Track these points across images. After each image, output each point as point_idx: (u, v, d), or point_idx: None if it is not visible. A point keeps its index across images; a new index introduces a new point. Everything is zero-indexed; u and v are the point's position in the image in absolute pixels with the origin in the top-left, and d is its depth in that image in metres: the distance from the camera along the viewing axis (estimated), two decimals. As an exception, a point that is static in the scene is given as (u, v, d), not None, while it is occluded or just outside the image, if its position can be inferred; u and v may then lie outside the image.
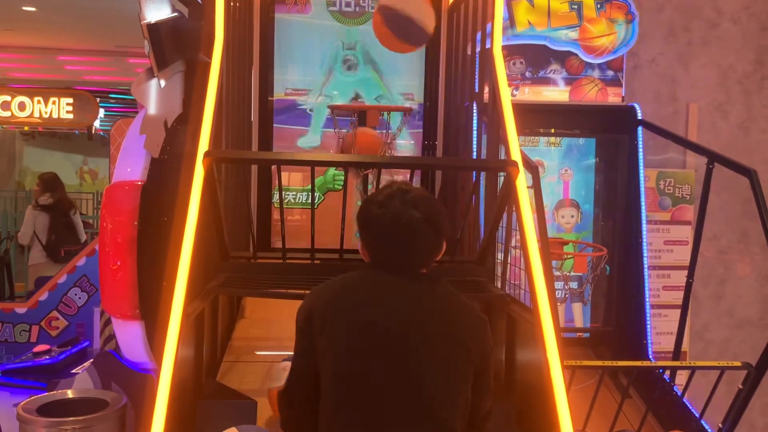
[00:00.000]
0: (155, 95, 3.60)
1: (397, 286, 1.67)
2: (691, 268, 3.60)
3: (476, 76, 3.79)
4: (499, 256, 3.19)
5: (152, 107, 3.61)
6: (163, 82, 3.58)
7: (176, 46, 3.63)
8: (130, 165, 3.55)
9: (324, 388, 1.62)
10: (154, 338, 3.18)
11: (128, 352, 3.60)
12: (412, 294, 1.67)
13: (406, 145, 4.54)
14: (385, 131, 4.09)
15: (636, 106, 4.22)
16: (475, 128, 3.73)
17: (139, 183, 3.47)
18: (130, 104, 7.60)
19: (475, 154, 3.66)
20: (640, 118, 4.17)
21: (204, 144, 2.65)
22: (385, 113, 3.95)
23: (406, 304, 1.65)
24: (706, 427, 3.39)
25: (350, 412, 1.58)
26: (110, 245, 3.46)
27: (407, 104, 4.49)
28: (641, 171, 4.14)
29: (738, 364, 3.09)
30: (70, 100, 8.14)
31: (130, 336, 3.50)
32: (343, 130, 3.90)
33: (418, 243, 1.68)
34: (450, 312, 1.68)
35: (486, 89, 3.47)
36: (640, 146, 4.15)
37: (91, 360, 3.87)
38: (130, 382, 3.64)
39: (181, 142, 3.44)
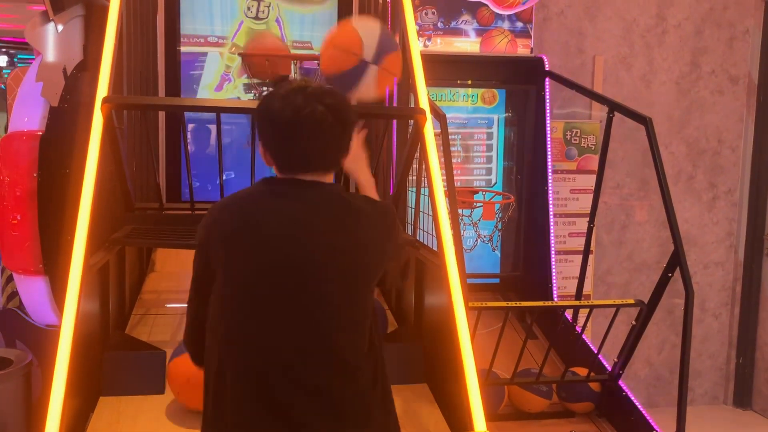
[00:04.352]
0: (52, 40, 3.43)
1: (299, 202, 1.56)
2: (592, 214, 3.76)
3: (388, 26, 3.78)
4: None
5: (49, 53, 3.44)
6: (60, 27, 3.42)
7: (73, -12, 3.45)
8: (28, 114, 3.38)
9: (221, 305, 1.55)
10: (59, 293, 3.10)
11: (33, 308, 3.49)
12: (314, 211, 1.57)
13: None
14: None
15: (543, 57, 4.32)
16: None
17: (38, 133, 3.33)
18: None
19: (387, 103, 3.68)
20: (547, 69, 4.27)
21: (103, 90, 2.55)
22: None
23: (308, 223, 1.56)
24: (604, 362, 3.60)
25: (246, 329, 1.52)
26: (9, 199, 3.32)
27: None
28: (548, 121, 4.26)
29: (631, 301, 3.28)
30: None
31: (33, 292, 3.39)
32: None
33: (322, 137, 1.55)
34: (353, 227, 1.59)
35: (397, 39, 3.47)
36: (547, 97, 4.26)
37: (-7, 319, 3.75)
38: (36, 340, 3.55)
39: (82, 90, 3.31)
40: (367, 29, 2.42)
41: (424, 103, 2.90)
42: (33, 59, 3.57)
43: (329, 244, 1.55)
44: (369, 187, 1.91)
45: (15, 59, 6.08)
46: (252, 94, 4.32)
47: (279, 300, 1.53)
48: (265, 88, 4.24)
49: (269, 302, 1.53)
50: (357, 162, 1.88)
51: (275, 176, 1.64)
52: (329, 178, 1.64)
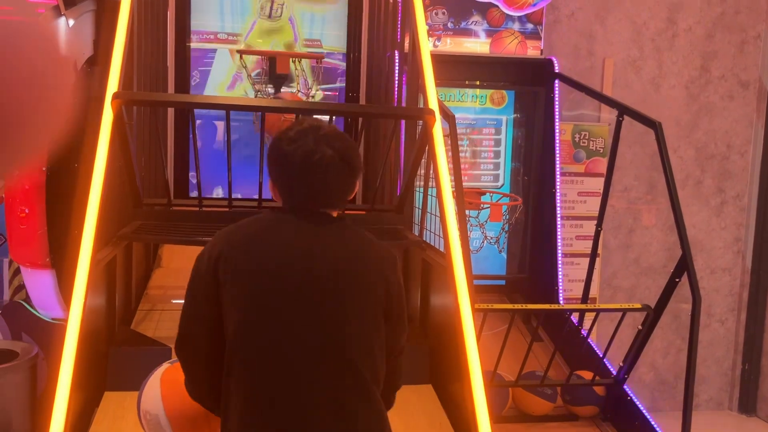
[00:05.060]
0: (63, 35, 3.44)
1: (307, 230, 1.61)
2: (600, 217, 3.75)
3: (398, 25, 3.78)
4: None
5: (60, 48, 3.45)
6: (71, 22, 3.42)
7: (84, -17, 3.46)
8: (37, 108, 3.40)
9: (230, 337, 1.54)
10: (66, 287, 3.11)
11: (39, 302, 3.51)
12: (323, 237, 1.61)
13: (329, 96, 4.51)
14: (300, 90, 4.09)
15: (553, 59, 4.31)
16: (396, 77, 3.73)
17: (47, 127, 3.34)
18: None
19: (396, 103, 3.68)
20: (557, 71, 4.26)
21: (113, 85, 2.55)
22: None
23: (317, 248, 1.59)
24: (609, 366, 3.59)
25: (257, 360, 1.52)
26: (17, 192, 3.33)
27: (332, 55, 4.44)
28: (557, 123, 4.25)
29: (638, 306, 3.26)
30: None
31: (40, 285, 3.40)
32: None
33: (331, 181, 1.60)
34: (360, 254, 1.64)
35: (407, 38, 3.47)
36: (556, 99, 4.25)
37: (0, 311, 3.76)
38: (42, 333, 3.55)
39: (92, 84, 3.31)
40: None
41: (433, 104, 2.89)
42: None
43: (337, 267, 1.58)
44: None
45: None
46: (253, 94, 4.33)
47: (293, 323, 1.53)
48: (258, 86, 4.24)
49: (285, 326, 1.53)
50: None
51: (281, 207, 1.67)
52: (335, 214, 1.69)
